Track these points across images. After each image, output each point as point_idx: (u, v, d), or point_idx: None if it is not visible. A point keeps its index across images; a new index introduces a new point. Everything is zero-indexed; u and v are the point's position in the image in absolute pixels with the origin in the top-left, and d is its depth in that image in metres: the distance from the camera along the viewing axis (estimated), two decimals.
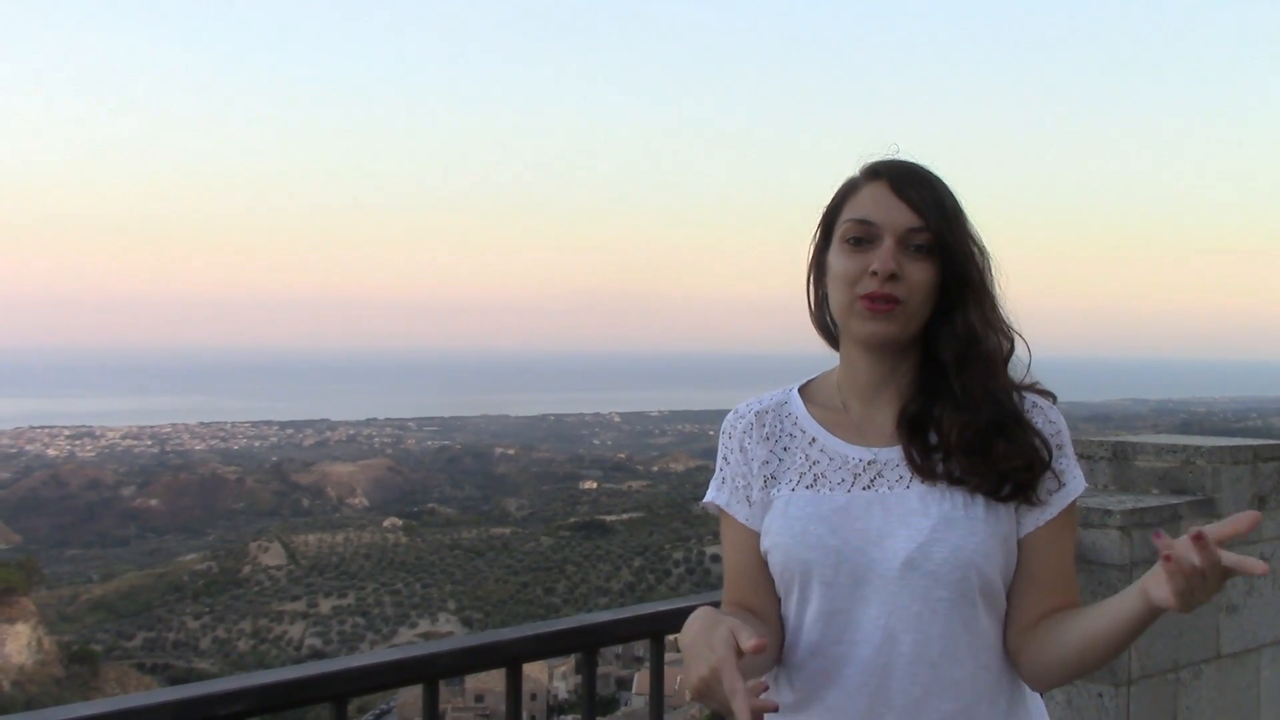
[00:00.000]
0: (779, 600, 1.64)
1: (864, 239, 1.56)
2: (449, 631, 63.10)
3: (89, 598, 76.68)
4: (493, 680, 39.87)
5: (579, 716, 2.61)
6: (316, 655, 61.71)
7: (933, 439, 1.58)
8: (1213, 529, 1.27)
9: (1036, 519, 1.57)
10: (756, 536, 1.64)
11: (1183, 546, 1.27)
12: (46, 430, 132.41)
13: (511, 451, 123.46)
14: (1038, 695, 1.68)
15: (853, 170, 1.66)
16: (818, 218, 1.68)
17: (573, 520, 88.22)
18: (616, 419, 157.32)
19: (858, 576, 1.53)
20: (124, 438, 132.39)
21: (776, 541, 1.59)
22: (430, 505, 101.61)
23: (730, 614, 1.59)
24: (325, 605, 75.42)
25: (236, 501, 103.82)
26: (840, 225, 1.60)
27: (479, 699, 45.91)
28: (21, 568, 64.66)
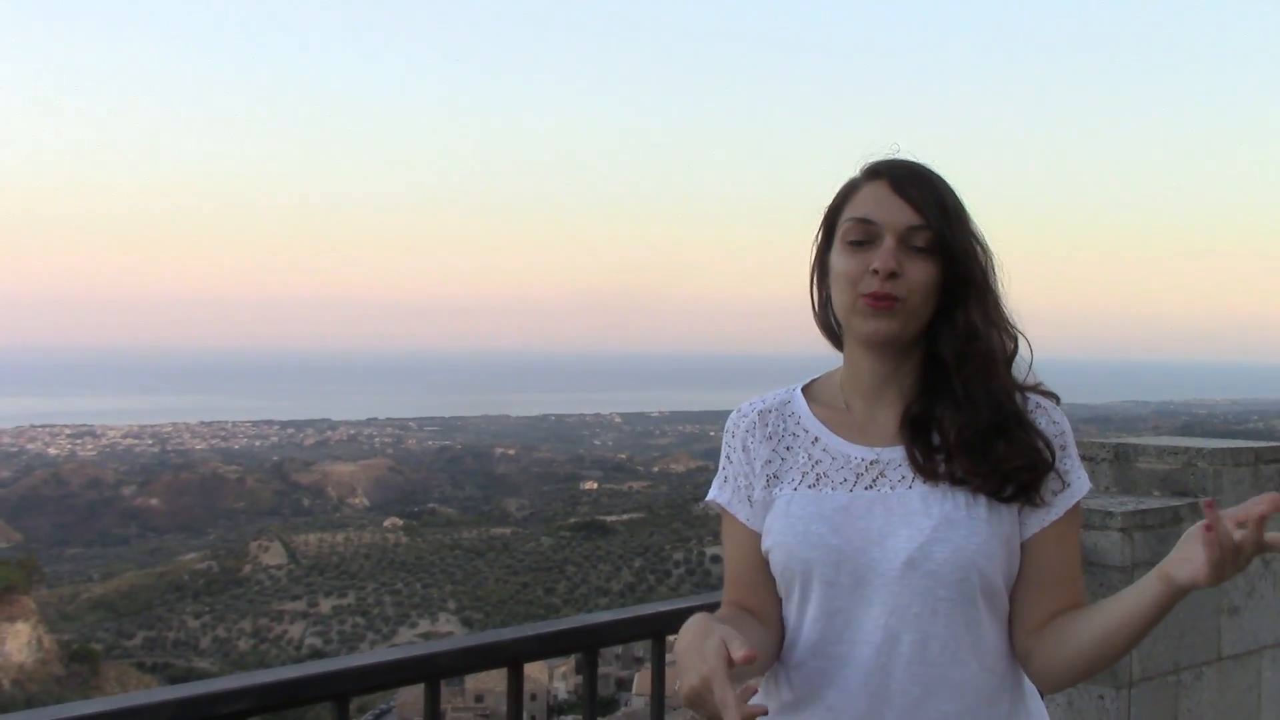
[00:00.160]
0: (779, 601, 1.64)
1: (865, 238, 1.56)
2: (449, 631, 63.11)
3: (89, 596, 76.72)
4: (492, 680, 39.93)
5: (579, 717, 2.60)
6: (316, 655, 61.70)
7: (935, 440, 1.57)
8: (1246, 506, 1.31)
9: (1041, 520, 1.57)
10: (757, 537, 1.64)
11: (1226, 519, 1.31)
12: (47, 429, 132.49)
13: (512, 452, 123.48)
14: (1039, 697, 1.67)
15: (854, 171, 1.66)
16: (820, 218, 1.68)
17: (573, 521, 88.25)
18: (617, 419, 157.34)
19: (859, 576, 1.53)
20: (125, 437, 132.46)
21: (778, 541, 1.59)
22: (431, 505, 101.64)
23: (730, 615, 1.60)
24: (325, 605, 75.45)
25: (237, 501, 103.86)
26: (841, 225, 1.60)
27: (479, 699, 45.92)
28: (22, 566, 64.67)
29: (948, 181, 1.61)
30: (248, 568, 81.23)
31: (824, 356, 1.73)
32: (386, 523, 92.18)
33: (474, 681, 43.37)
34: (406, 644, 2.84)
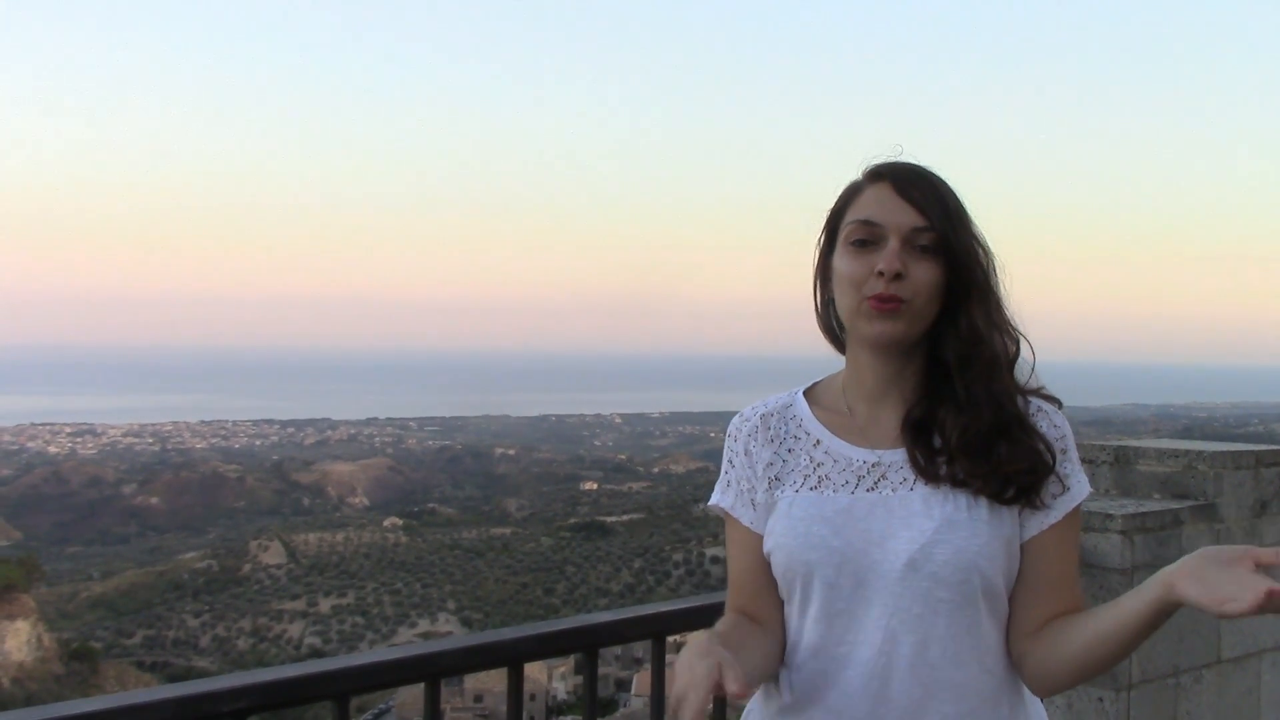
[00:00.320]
0: (782, 605, 1.64)
1: (869, 240, 1.56)
2: (448, 631, 63.06)
3: (89, 595, 76.65)
4: (491, 680, 39.91)
5: (578, 717, 2.61)
6: (316, 654, 61.65)
7: (936, 442, 1.57)
8: (1268, 554, 1.35)
9: (1040, 522, 1.57)
10: (760, 540, 1.64)
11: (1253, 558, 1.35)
12: (48, 427, 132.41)
13: (512, 452, 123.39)
14: (1038, 700, 1.67)
15: (855, 173, 1.66)
16: (821, 221, 1.68)
17: (573, 521, 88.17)
18: (617, 420, 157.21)
19: (860, 578, 1.53)
20: (125, 435, 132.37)
21: (779, 542, 1.59)
22: (430, 505, 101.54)
23: (733, 623, 1.61)
24: (325, 604, 75.38)
25: (237, 500, 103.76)
26: (845, 227, 1.60)
27: (478, 699, 45.88)
28: (22, 565, 64.61)
29: (949, 183, 1.61)
30: (247, 567, 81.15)
31: (825, 358, 1.74)
32: (386, 522, 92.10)
33: (473, 681, 43.33)
34: (407, 644, 2.84)
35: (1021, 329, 1.63)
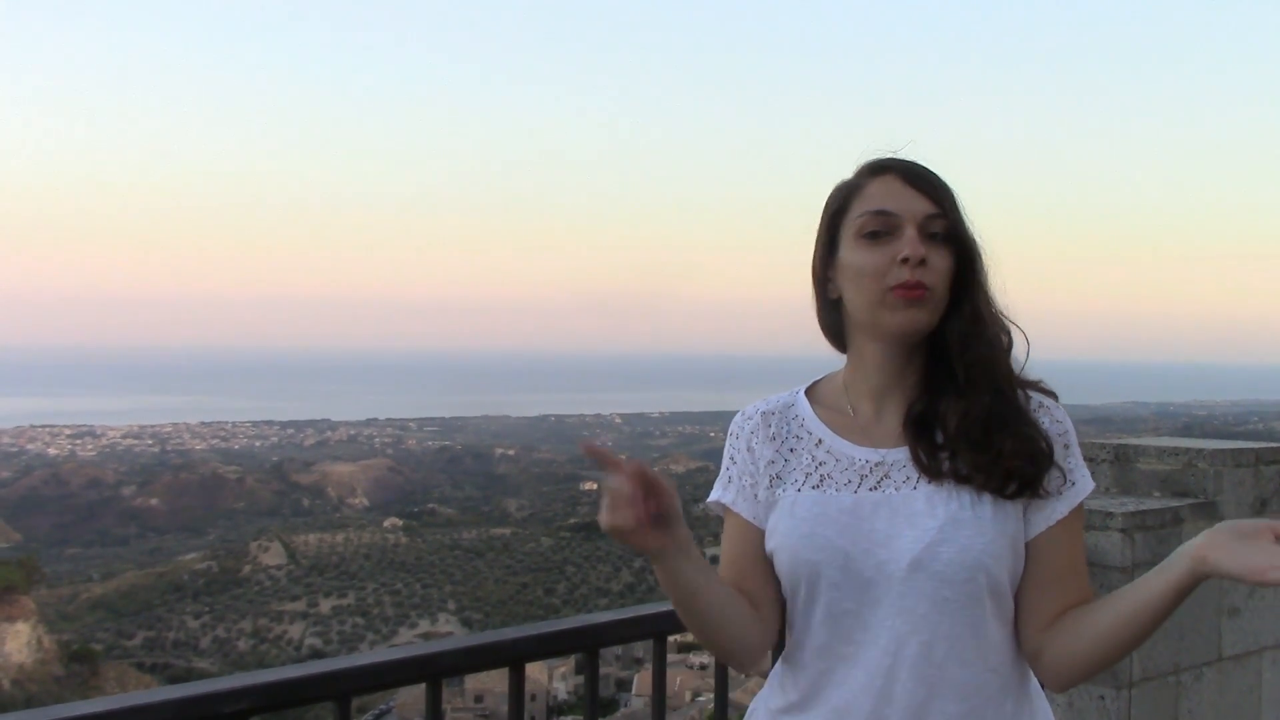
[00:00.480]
0: (774, 592, 1.64)
1: (883, 230, 1.56)
2: (448, 632, 63.05)
3: (89, 597, 76.65)
4: (492, 680, 39.91)
5: (579, 717, 2.61)
6: (316, 655, 61.65)
7: (939, 438, 1.58)
8: None
9: (1047, 518, 1.57)
10: (760, 533, 1.64)
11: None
12: (47, 429, 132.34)
13: (512, 452, 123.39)
14: (1044, 698, 1.67)
15: (848, 173, 1.66)
16: (818, 222, 1.68)
17: (573, 521, 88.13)
18: (617, 420, 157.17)
19: (865, 578, 1.53)
20: (125, 437, 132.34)
21: (783, 543, 1.59)
22: (430, 505, 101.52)
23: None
24: (325, 605, 75.40)
25: (237, 501, 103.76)
26: (853, 222, 1.59)
27: (478, 699, 45.89)
28: (22, 566, 64.58)
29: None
30: (247, 568, 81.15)
31: (824, 358, 1.73)
32: (386, 523, 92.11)
33: (473, 681, 43.34)
34: (407, 644, 2.84)
35: (1015, 323, 1.63)
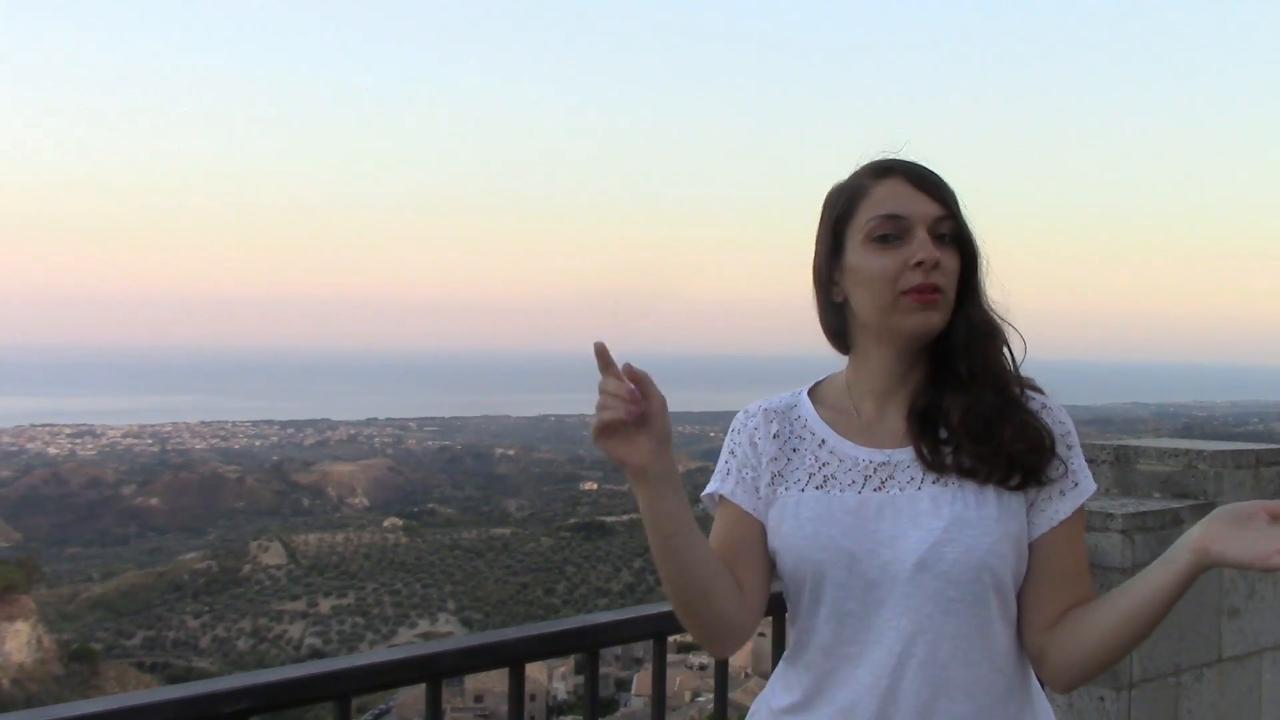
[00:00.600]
0: (763, 582, 1.64)
1: (894, 234, 1.56)
2: (448, 632, 63.06)
3: (89, 596, 76.63)
4: (491, 680, 39.92)
5: (579, 717, 2.61)
6: (316, 655, 61.64)
7: (942, 434, 1.58)
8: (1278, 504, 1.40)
9: (1050, 519, 1.57)
10: (758, 526, 1.63)
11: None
12: (47, 428, 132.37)
13: (512, 452, 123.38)
14: (1045, 699, 1.68)
15: (847, 174, 1.65)
16: (819, 224, 1.67)
17: (573, 521, 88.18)
18: None
19: (870, 578, 1.53)
20: (125, 436, 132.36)
21: (787, 542, 1.59)
22: (430, 505, 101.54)
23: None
24: (325, 605, 75.40)
25: (237, 501, 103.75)
26: (862, 226, 1.58)
27: (478, 699, 45.89)
28: (22, 566, 64.57)
29: None
30: (247, 568, 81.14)
31: (824, 358, 1.73)
32: (386, 523, 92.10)
33: (473, 681, 43.34)
34: (407, 644, 2.84)
35: (1010, 323, 1.64)
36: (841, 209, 1.62)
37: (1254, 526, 1.40)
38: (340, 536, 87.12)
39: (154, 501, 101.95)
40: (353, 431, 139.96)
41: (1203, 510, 3.26)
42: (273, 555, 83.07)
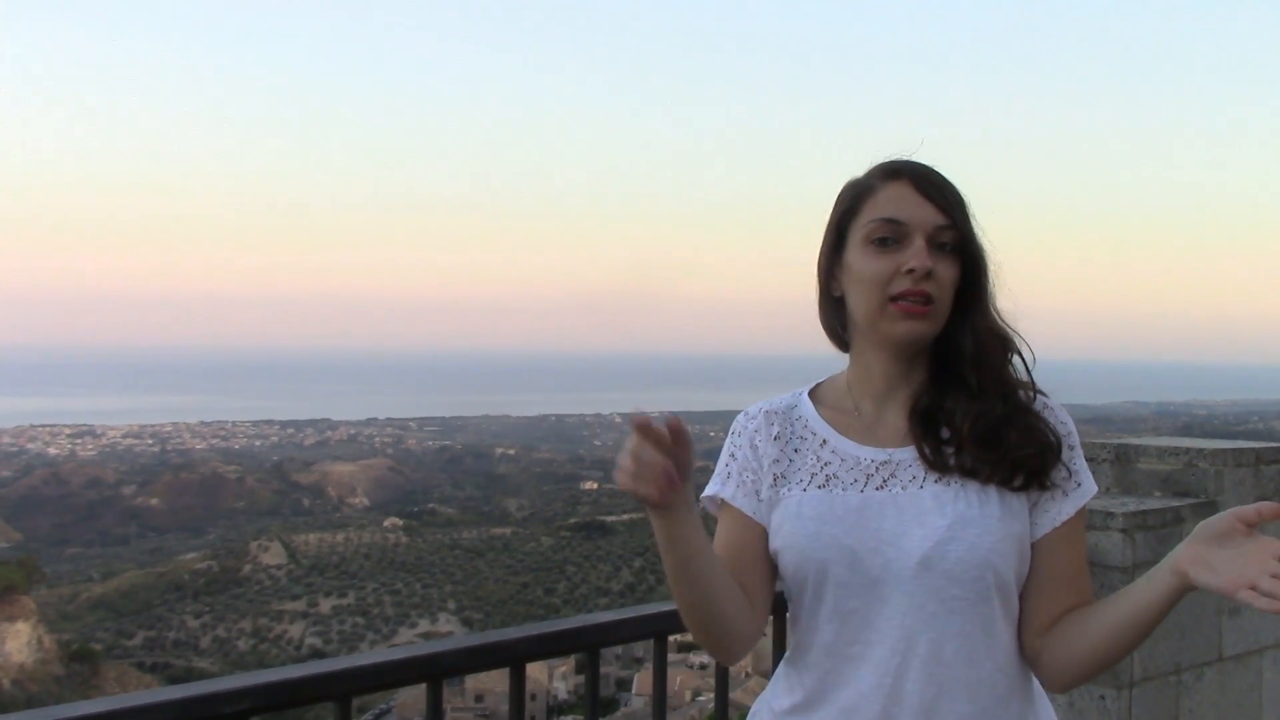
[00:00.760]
0: (768, 588, 1.64)
1: (892, 238, 1.56)
2: (449, 631, 63.06)
3: (89, 596, 76.65)
4: (492, 680, 39.90)
5: (579, 717, 2.60)
6: (316, 655, 61.65)
7: (944, 433, 1.58)
8: (1248, 512, 1.40)
9: (1053, 519, 1.57)
10: (760, 530, 1.63)
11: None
12: (48, 429, 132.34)
13: (512, 452, 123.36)
14: (1046, 699, 1.68)
15: (858, 171, 1.65)
16: (822, 220, 1.68)
17: (573, 521, 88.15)
18: (618, 420, 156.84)
19: (873, 576, 1.53)
20: (125, 436, 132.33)
21: (790, 542, 1.58)
22: (431, 505, 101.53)
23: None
24: (325, 605, 75.41)
25: (237, 501, 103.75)
26: (863, 226, 1.59)
27: (479, 699, 45.88)
28: (22, 566, 64.61)
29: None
30: (248, 568, 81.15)
31: (826, 358, 1.73)
32: (386, 523, 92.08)
33: (474, 681, 43.33)
34: (408, 644, 2.83)
35: (1017, 329, 1.64)
36: (847, 206, 1.63)
37: (1234, 543, 1.39)
38: (340, 536, 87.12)
39: (154, 502, 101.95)
40: (353, 431, 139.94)
41: (1203, 509, 3.26)
42: (273, 555, 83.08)
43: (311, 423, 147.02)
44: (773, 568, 1.64)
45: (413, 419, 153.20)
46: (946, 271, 1.55)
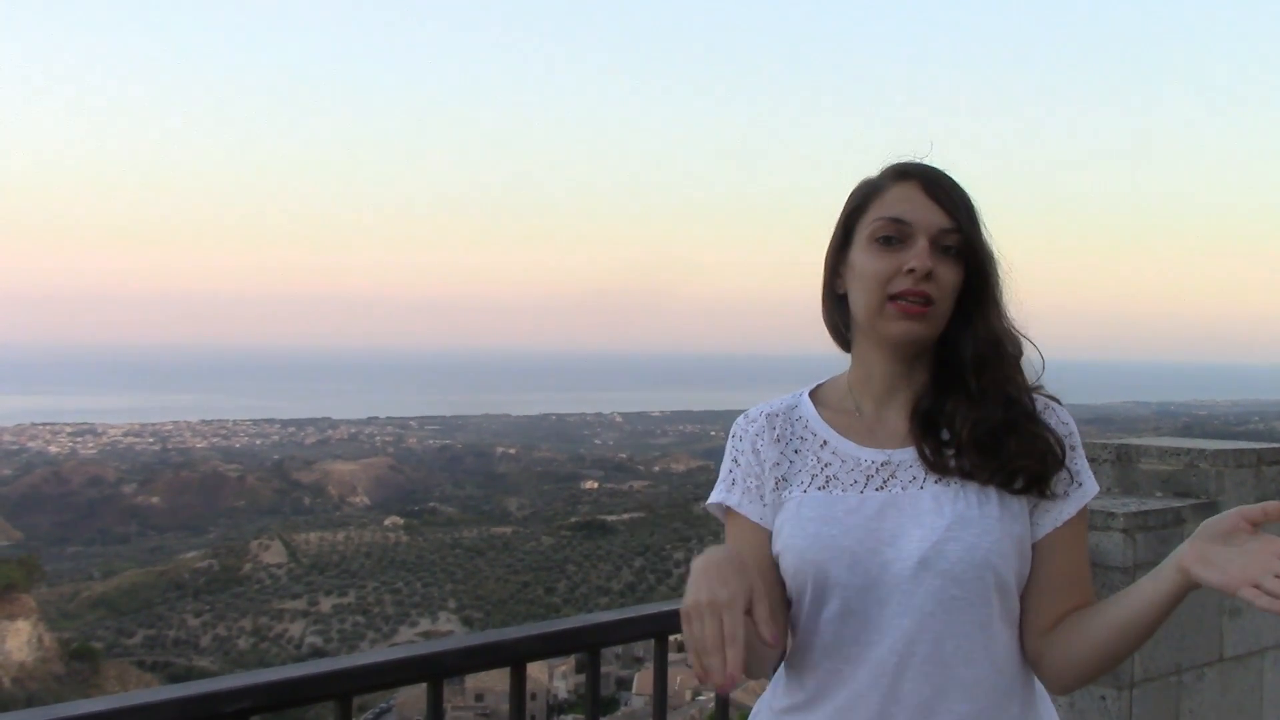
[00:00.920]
0: (788, 604, 1.63)
1: (895, 238, 1.56)
2: (449, 631, 63.05)
3: (90, 595, 76.65)
4: (492, 679, 39.88)
5: (580, 716, 2.60)
6: (317, 654, 61.70)
7: (945, 435, 1.58)
8: (1254, 511, 1.40)
9: (1054, 520, 1.57)
10: (767, 535, 1.63)
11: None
12: (48, 427, 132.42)
13: (513, 451, 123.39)
14: (1048, 700, 1.67)
15: (863, 172, 1.66)
16: (827, 219, 1.68)
17: (573, 520, 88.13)
18: (618, 419, 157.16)
19: (872, 577, 1.52)
20: (125, 435, 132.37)
21: (789, 544, 1.58)
22: (431, 504, 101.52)
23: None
24: (326, 604, 75.38)
25: (238, 499, 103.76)
26: (868, 225, 1.60)
27: (479, 698, 45.88)
28: (22, 564, 64.64)
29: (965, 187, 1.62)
30: (248, 566, 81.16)
31: (827, 357, 1.74)
32: (387, 521, 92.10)
33: (474, 681, 43.32)
34: (408, 643, 2.83)
35: (1025, 331, 1.64)
36: (856, 204, 1.64)
37: (1238, 541, 1.39)
38: (341, 535, 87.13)
39: (155, 500, 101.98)
40: (354, 430, 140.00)
41: (1204, 509, 3.26)
42: (273, 554, 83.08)
43: (312, 421, 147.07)
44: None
45: (413, 418, 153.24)
46: (948, 274, 1.55)
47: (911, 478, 1.57)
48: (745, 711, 1.79)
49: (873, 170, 1.65)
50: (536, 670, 41.66)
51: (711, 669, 1.28)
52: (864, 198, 1.63)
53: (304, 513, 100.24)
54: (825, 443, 1.63)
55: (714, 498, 1.68)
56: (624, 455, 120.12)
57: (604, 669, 2.48)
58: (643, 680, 44.69)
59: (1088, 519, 1.63)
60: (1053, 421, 1.60)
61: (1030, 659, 1.60)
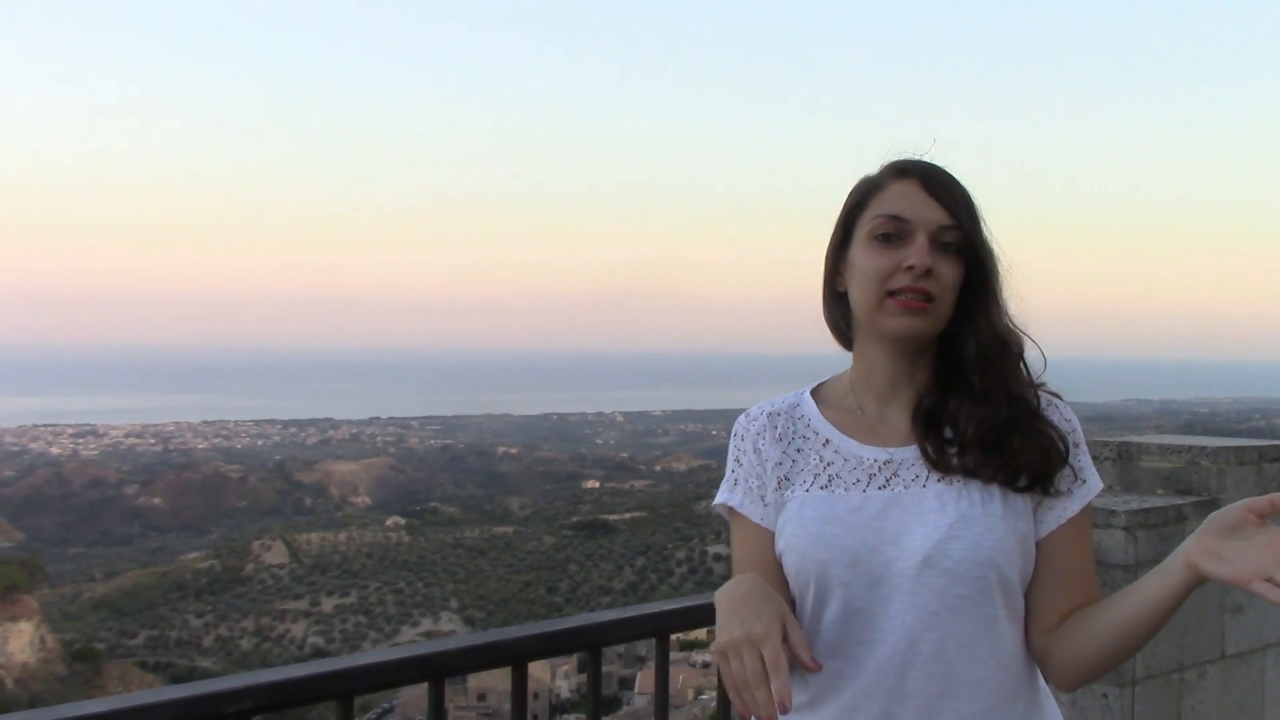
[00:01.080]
0: (793, 604, 1.62)
1: (895, 235, 1.56)
2: (451, 630, 63.09)
3: (92, 596, 76.76)
4: (494, 679, 39.92)
5: (582, 716, 2.61)
6: (319, 654, 61.73)
7: (948, 433, 1.58)
8: (1261, 503, 1.39)
9: (1058, 517, 1.57)
10: (771, 536, 1.63)
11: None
12: (50, 428, 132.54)
13: (514, 450, 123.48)
14: (1052, 699, 1.67)
15: (863, 170, 1.66)
16: (827, 218, 1.68)
17: (575, 519, 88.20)
18: (619, 418, 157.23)
19: (875, 576, 1.52)
20: (127, 436, 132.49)
21: (791, 543, 1.58)
22: (433, 504, 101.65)
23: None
24: (328, 604, 75.45)
25: (239, 500, 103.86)
26: (868, 222, 1.60)
27: (481, 698, 45.91)
28: (25, 565, 64.71)
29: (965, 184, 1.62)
30: (250, 567, 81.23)
31: (828, 356, 1.73)
32: (389, 522, 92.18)
33: (476, 680, 43.36)
34: (410, 643, 2.83)
35: (1026, 329, 1.64)
36: (855, 201, 1.64)
37: (1245, 534, 1.39)
38: (343, 535, 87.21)
39: (156, 501, 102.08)
40: (355, 430, 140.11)
41: (1206, 506, 3.26)
42: (275, 554, 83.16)
43: (314, 422, 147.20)
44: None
45: (415, 418, 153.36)
46: (948, 271, 1.55)
47: (914, 476, 1.57)
48: None
49: (872, 168, 1.65)
50: (538, 670, 41.67)
51: (758, 702, 1.30)
52: (863, 195, 1.63)
53: (305, 513, 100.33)
54: (827, 441, 1.63)
55: (718, 499, 1.69)
56: (625, 454, 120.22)
57: (606, 668, 2.48)
58: (645, 679, 44.73)
59: (1092, 516, 1.63)
60: (1056, 418, 1.60)
61: (1036, 657, 1.59)
